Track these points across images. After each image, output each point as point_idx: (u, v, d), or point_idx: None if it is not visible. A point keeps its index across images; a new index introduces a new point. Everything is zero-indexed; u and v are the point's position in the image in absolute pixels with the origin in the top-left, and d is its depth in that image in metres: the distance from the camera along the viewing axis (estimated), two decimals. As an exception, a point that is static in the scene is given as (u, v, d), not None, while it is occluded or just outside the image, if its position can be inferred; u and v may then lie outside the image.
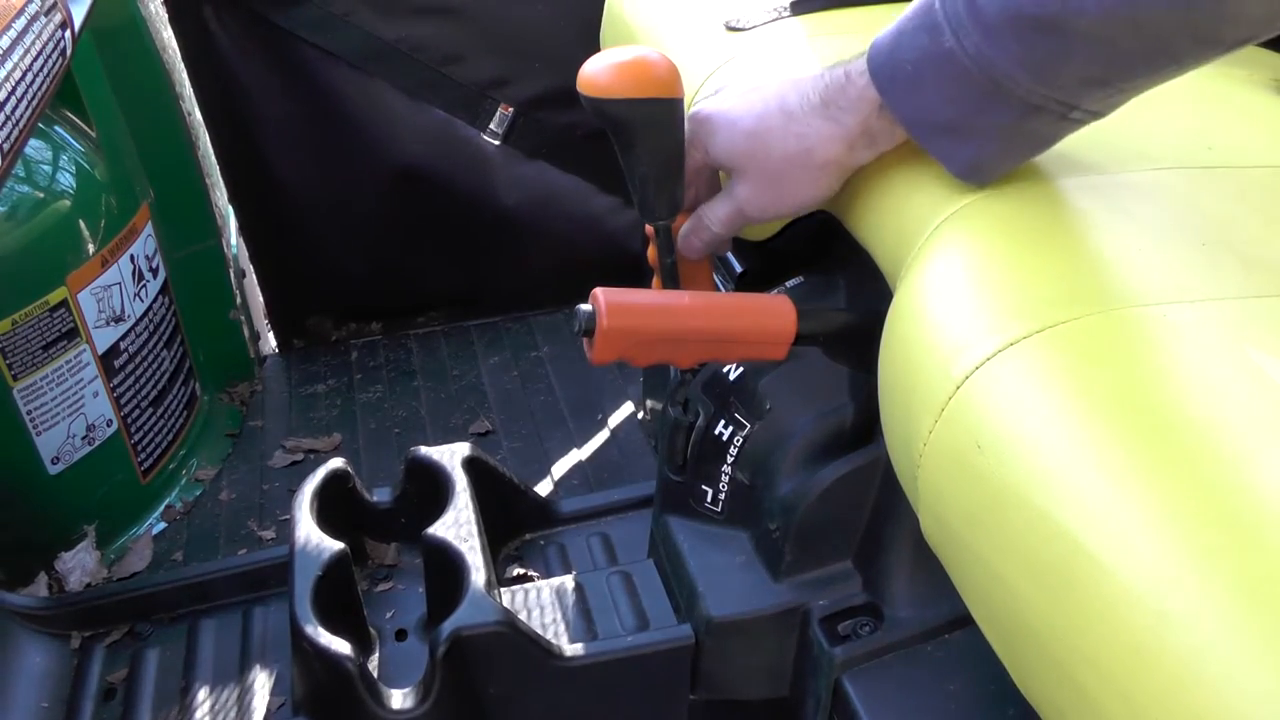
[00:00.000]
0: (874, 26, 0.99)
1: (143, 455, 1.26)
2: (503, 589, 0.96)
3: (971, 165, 0.66)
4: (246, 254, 1.56)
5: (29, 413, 1.12)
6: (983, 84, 0.60)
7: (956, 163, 0.66)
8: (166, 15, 1.36)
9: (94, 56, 1.23)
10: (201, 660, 1.02)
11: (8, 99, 0.86)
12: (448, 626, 0.83)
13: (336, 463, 1.02)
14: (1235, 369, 0.52)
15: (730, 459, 0.85)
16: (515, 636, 0.84)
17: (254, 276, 1.58)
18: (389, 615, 0.99)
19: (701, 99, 0.80)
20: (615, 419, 1.42)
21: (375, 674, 0.89)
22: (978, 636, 0.56)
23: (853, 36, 0.96)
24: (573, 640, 0.90)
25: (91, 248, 1.15)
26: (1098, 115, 0.63)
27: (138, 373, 1.24)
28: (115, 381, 1.20)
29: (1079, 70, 0.59)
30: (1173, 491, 0.46)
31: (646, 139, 0.75)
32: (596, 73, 0.74)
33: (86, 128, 1.22)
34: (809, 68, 0.72)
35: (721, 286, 1.02)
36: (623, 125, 0.75)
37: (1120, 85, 0.60)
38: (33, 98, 0.92)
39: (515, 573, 1.03)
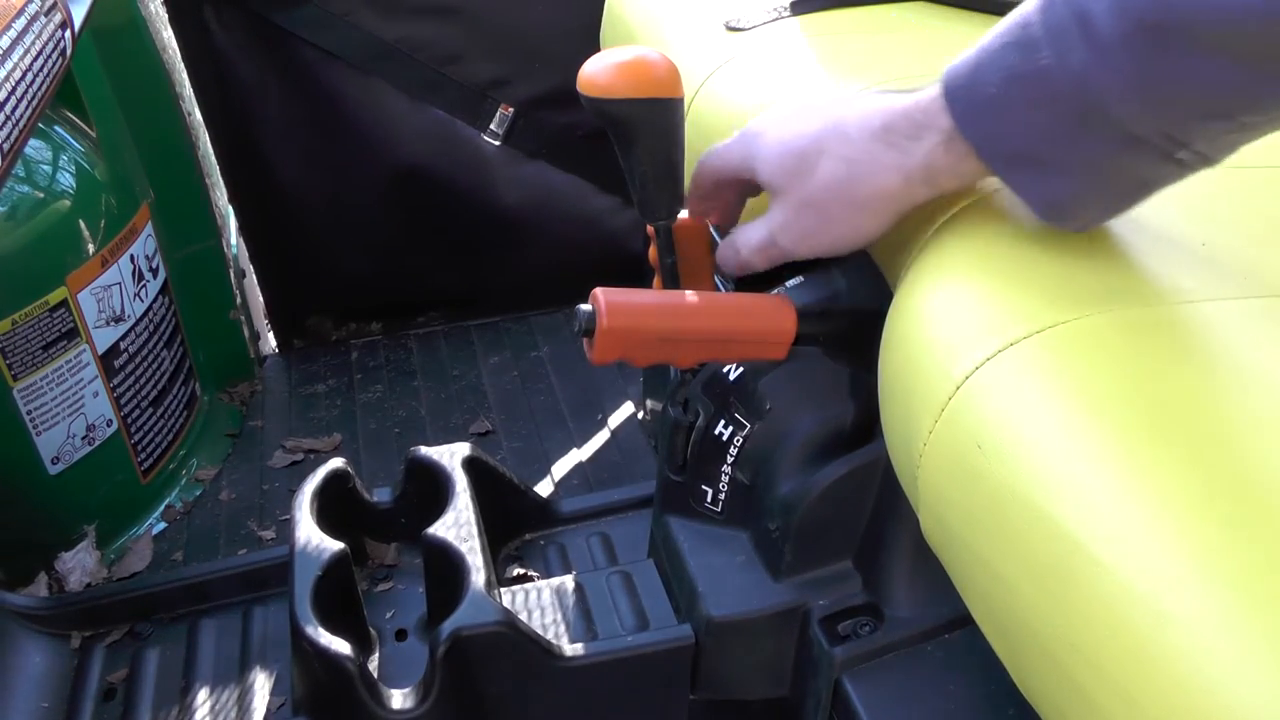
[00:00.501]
0: (874, 26, 0.99)
1: (143, 455, 1.26)
2: (503, 589, 0.96)
3: (1053, 204, 0.58)
4: (246, 254, 1.56)
5: (29, 413, 1.12)
6: (1081, 108, 0.53)
7: (1036, 199, 0.59)
8: (166, 15, 1.36)
9: (94, 56, 1.23)
10: (201, 660, 1.02)
11: (8, 99, 0.86)
12: (448, 626, 0.83)
13: (336, 463, 1.02)
14: (1235, 369, 0.52)
15: (730, 459, 0.85)
16: (515, 636, 0.84)
17: (254, 276, 1.58)
18: (389, 615, 0.99)
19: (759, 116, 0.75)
20: (615, 419, 1.42)
21: (375, 674, 0.89)
22: (978, 636, 0.56)
23: (853, 36, 0.96)
24: (573, 640, 0.90)
25: (91, 248, 1.15)
26: (1206, 161, 0.55)
27: (138, 373, 1.24)
28: (115, 381, 1.20)
29: (1199, 95, 0.51)
30: (1173, 491, 0.46)
31: (647, 139, 0.75)
32: (597, 72, 0.74)
33: (86, 128, 1.22)
34: (875, 93, 0.65)
35: (721, 286, 1.02)
36: (623, 125, 0.75)
37: (1243, 119, 0.52)
38: (33, 98, 0.92)
39: (515, 573, 1.03)
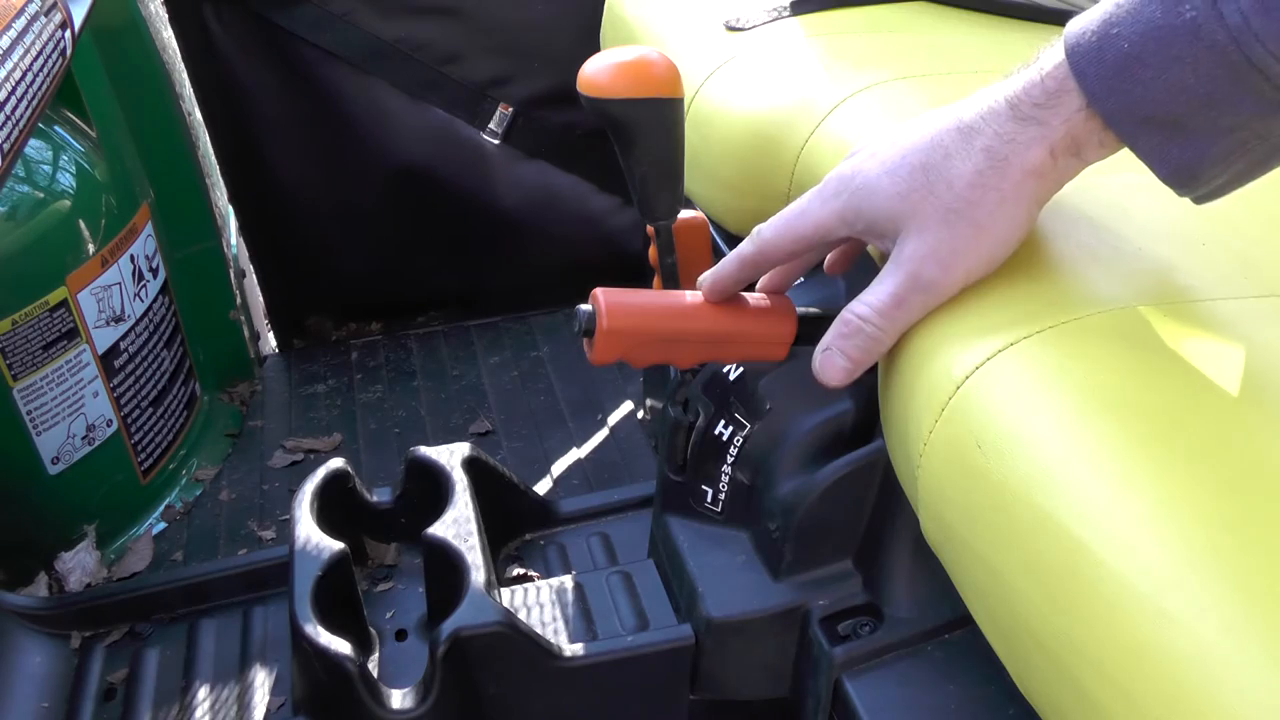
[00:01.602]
0: (874, 26, 0.99)
1: (143, 455, 1.26)
2: (503, 589, 0.96)
3: (1185, 169, 0.52)
4: (246, 254, 1.56)
5: (29, 413, 1.12)
6: (1235, 64, 0.47)
7: (1166, 164, 0.53)
8: (166, 15, 1.36)
9: (94, 56, 1.23)
10: (201, 660, 1.02)
11: (8, 99, 0.86)
12: (448, 626, 0.83)
13: (336, 463, 1.02)
14: (1235, 369, 0.52)
15: (730, 459, 0.85)
16: (515, 636, 0.84)
17: (254, 276, 1.58)
18: (389, 615, 0.99)
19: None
20: (615, 419, 1.42)
21: (375, 674, 0.89)
22: (978, 636, 0.56)
23: (853, 36, 0.96)
24: (573, 640, 0.90)
25: (91, 248, 1.15)
26: None
27: (138, 373, 1.24)
28: (115, 381, 1.20)
29: None
30: (1173, 491, 0.46)
31: (647, 139, 0.75)
32: (597, 72, 0.74)
33: (86, 128, 1.22)
34: (979, 90, 0.57)
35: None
36: (623, 125, 0.75)
37: None
38: (33, 98, 0.92)
39: (515, 573, 1.03)
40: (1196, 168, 0.52)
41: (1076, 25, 0.53)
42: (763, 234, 0.64)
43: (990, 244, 0.57)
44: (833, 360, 0.61)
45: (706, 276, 0.68)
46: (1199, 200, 0.55)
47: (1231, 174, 0.53)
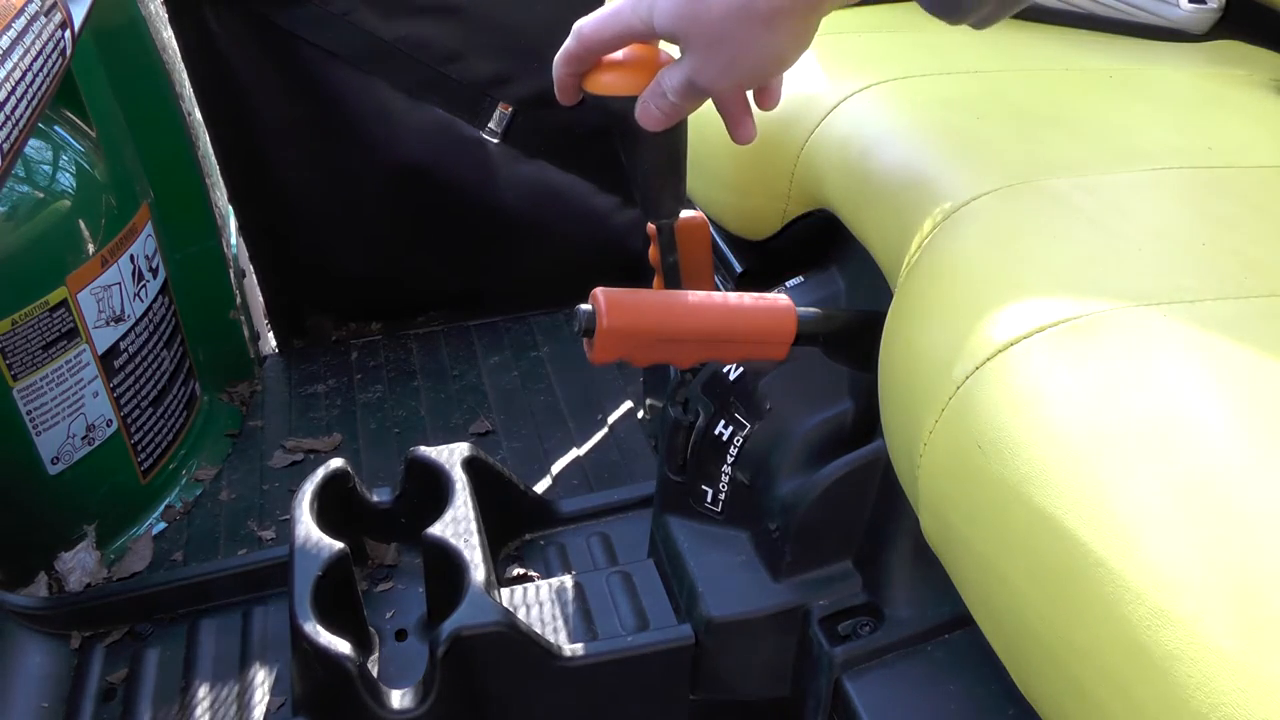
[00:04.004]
0: (874, 26, 0.99)
1: (143, 455, 1.26)
2: (503, 589, 0.96)
3: (947, 1, 0.61)
4: (246, 254, 1.56)
5: (29, 413, 1.12)
6: None
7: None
8: (166, 15, 1.36)
9: (94, 56, 1.23)
10: (201, 660, 1.02)
11: (8, 99, 0.86)
12: (448, 626, 0.83)
13: (336, 463, 1.02)
14: (1235, 368, 0.52)
15: (730, 459, 0.85)
16: (515, 636, 0.84)
17: (254, 276, 1.58)
18: (389, 615, 0.99)
19: None
20: (615, 419, 1.42)
21: (375, 674, 0.89)
22: (978, 636, 0.56)
23: (853, 36, 0.96)
24: (573, 640, 0.90)
25: (91, 248, 1.15)
26: None
27: (138, 373, 1.24)
28: (115, 381, 1.20)
29: None
30: (1173, 491, 0.46)
31: (649, 137, 0.75)
32: (601, 70, 0.74)
33: (86, 128, 1.22)
34: None
35: (721, 286, 1.02)
36: (626, 123, 0.75)
37: None
38: (33, 98, 0.92)
39: (515, 573, 1.03)
40: (964, 5, 0.60)
41: None
42: (583, 29, 0.72)
43: (747, 67, 0.66)
44: (648, 110, 0.72)
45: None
46: (976, 26, 0.62)
47: (995, 4, 0.61)
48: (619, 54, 0.75)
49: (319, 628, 0.84)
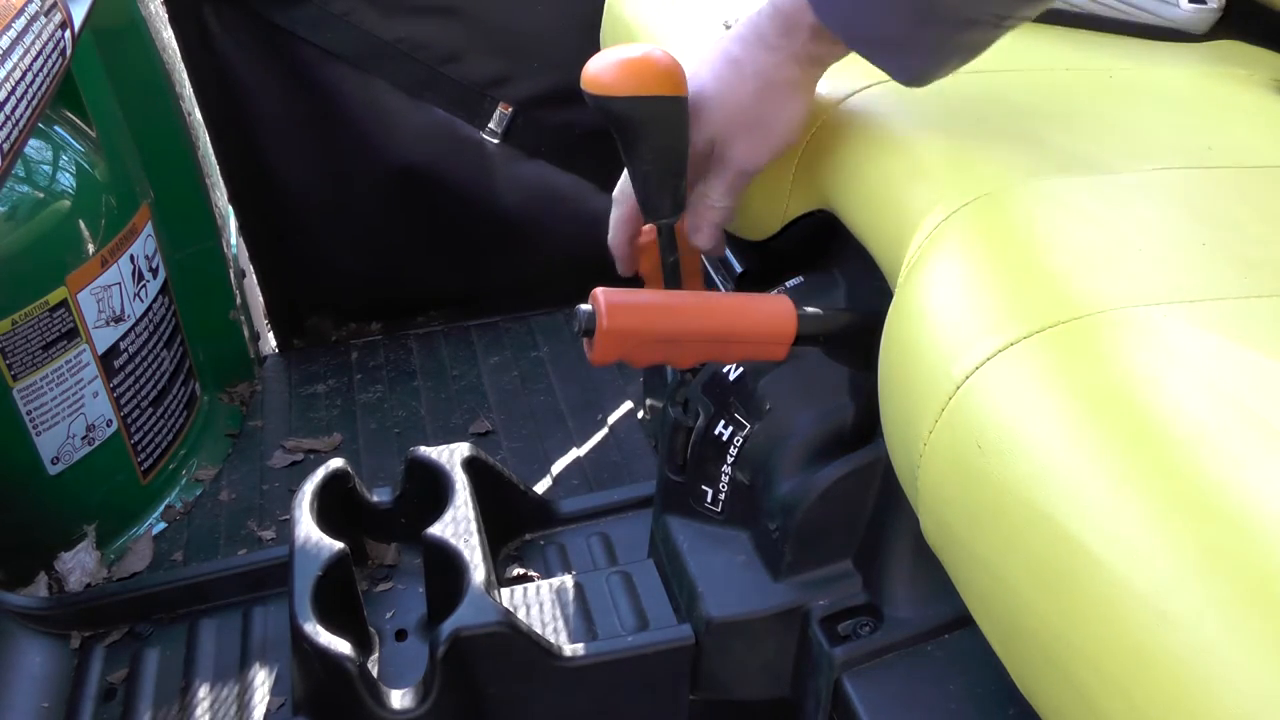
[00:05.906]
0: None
1: (143, 455, 1.26)
2: (503, 589, 0.96)
3: (912, 74, 0.72)
4: (246, 254, 1.56)
5: (29, 413, 1.12)
6: (923, 4, 0.67)
7: (897, 72, 0.72)
8: (166, 15, 1.36)
9: (94, 56, 1.23)
10: (201, 660, 1.02)
11: (8, 99, 0.86)
12: (448, 626, 0.83)
13: (336, 463, 1.02)
14: (1235, 369, 0.52)
15: (730, 459, 0.85)
16: (515, 636, 0.84)
17: (254, 276, 1.58)
18: (389, 615, 0.99)
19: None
20: (615, 419, 1.42)
21: (375, 674, 0.89)
22: (978, 636, 0.56)
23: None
24: (573, 640, 0.90)
25: (91, 248, 1.15)
26: (1028, 19, 0.69)
27: (138, 373, 1.24)
28: (115, 381, 1.20)
29: None
30: (1173, 491, 0.46)
31: (650, 137, 0.75)
32: (601, 70, 0.74)
33: (86, 128, 1.22)
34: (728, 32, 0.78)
35: (721, 286, 1.02)
36: (627, 123, 0.75)
37: None
38: (33, 98, 0.92)
39: (515, 573, 1.03)
40: (927, 73, 0.72)
41: None
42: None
43: (780, 132, 0.77)
44: (702, 231, 0.82)
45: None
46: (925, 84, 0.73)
47: (950, 68, 0.71)
48: (619, 53, 0.75)
49: (319, 628, 0.84)
